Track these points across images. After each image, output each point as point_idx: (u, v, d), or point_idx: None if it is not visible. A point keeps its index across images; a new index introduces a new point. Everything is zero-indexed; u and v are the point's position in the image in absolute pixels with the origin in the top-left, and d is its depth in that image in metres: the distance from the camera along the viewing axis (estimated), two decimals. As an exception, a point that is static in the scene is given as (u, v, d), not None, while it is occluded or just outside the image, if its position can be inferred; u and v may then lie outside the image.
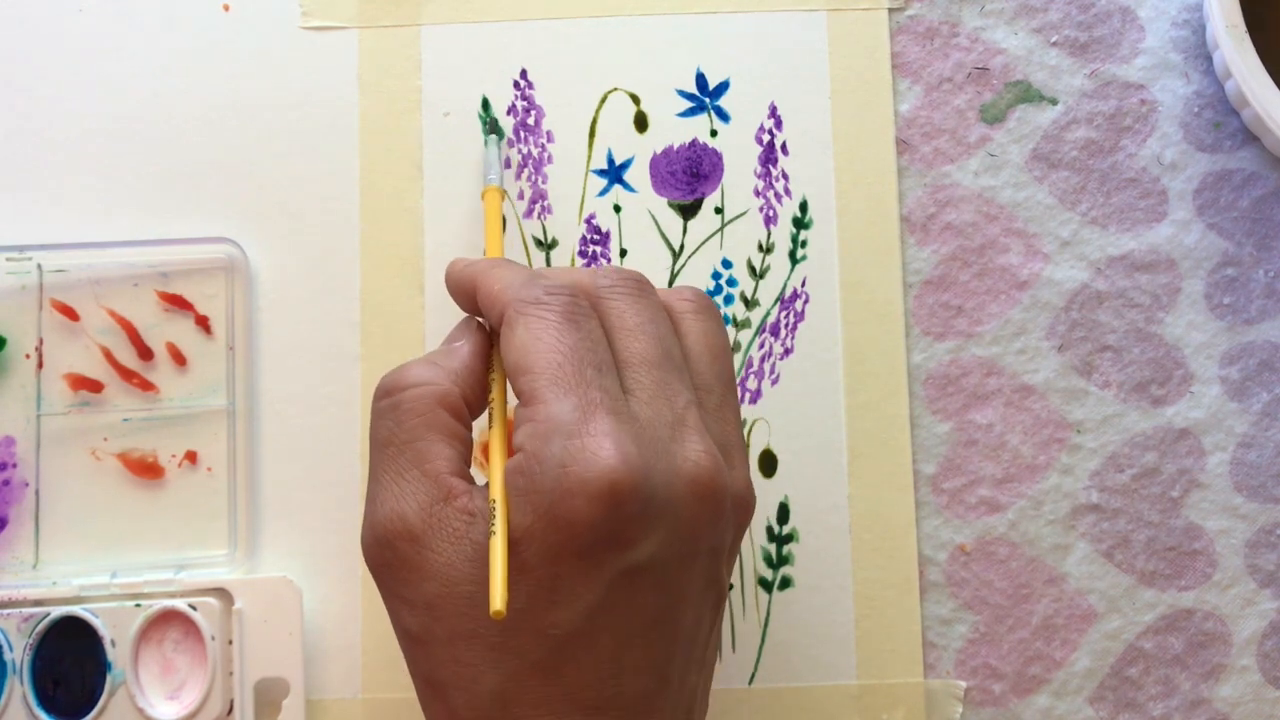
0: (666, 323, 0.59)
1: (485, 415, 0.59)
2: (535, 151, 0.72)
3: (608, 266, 0.61)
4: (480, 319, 0.62)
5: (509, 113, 0.73)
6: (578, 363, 0.54)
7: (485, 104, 0.73)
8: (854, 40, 0.72)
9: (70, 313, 0.71)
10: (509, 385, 0.58)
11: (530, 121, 0.72)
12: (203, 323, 0.71)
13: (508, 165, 0.72)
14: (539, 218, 0.72)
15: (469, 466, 0.57)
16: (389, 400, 0.58)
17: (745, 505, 0.58)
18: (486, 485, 0.56)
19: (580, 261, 0.72)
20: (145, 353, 0.71)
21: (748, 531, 0.69)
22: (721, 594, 0.59)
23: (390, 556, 0.55)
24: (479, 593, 0.54)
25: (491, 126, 0.72)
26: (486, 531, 0.54)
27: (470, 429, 0.59)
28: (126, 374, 0.71)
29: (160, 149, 0.73)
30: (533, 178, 0.72)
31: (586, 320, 0.56)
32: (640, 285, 0.59)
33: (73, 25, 0.74)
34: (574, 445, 0.52)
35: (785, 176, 0.72)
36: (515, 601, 0.52)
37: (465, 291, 0.62)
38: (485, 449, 0.68)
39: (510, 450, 0.56)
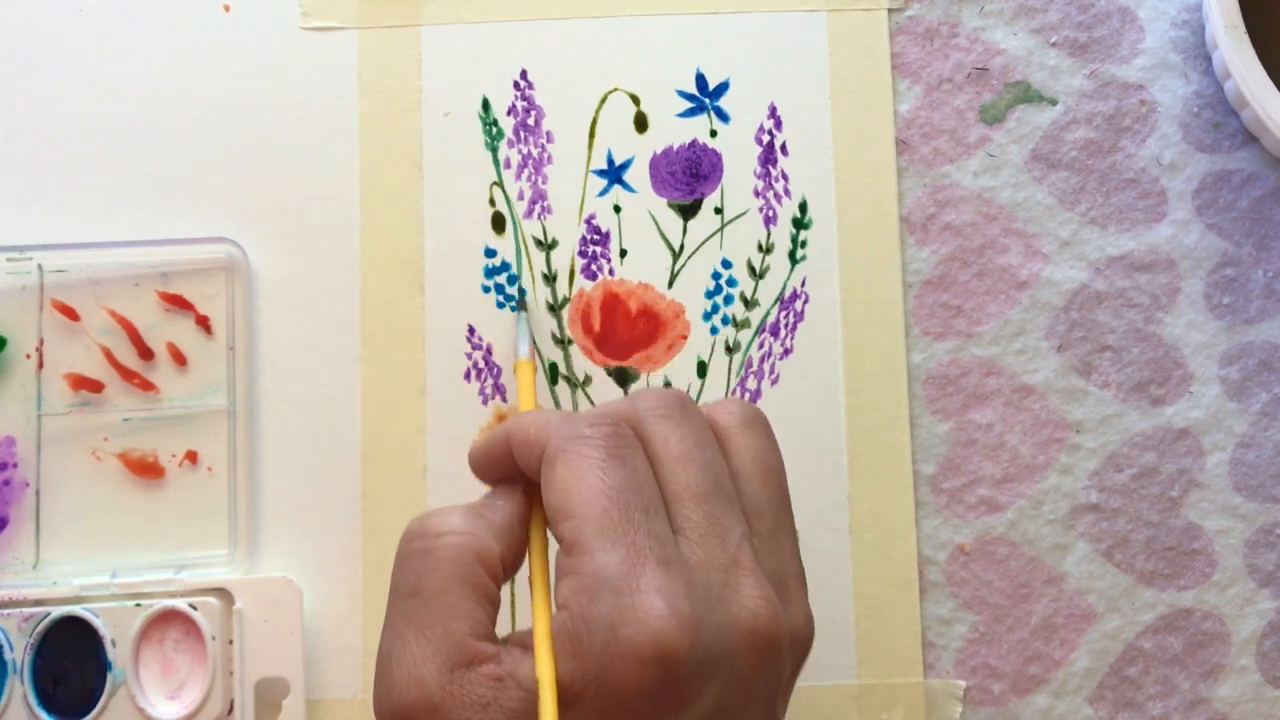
0: (713, 444, 0.56)
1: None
2: (535, 152, 0.72)
3: (646, 389, 0.57)
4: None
5: (509, 113, 0.73)
6: (624, 506, 0.51)
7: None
8: (854, 40, 0.73)
9: (70, 313, 0.71)
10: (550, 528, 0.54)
11: (530, 122, 0.73)
12: (203, 323, 0.71)
13: (507, 166, 0.72)
14: (539, 218, 0.72)
15: (494, 629, 0.53)
16: (421, 544, 0.53)
17: (804, 642, 0.55)
18: (515, 643, 0.52)
19: (580, 261, 0.72)
20: (145, 353, 0.71)
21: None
22: None
23: None
24: None
25: (519, 301, 0.72)
26: (519, 697, 0.50)
27: (500, 591, 0.54)
28: (127, 374, 0.71)
29: (160, 149, 0.73)
30: (533, 178, 0.72)
31: (633, 454, 0.53)
32: (683, 406, 0.56)
33: (73, 25, 0.74)
34: (624, 604, 0.49)
35: (785, 177, 0.72)
36: None
37: (498, 453, 0.57)
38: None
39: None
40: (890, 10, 0.73)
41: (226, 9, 0.74)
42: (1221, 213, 0.71)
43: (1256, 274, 0.71)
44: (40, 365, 0.71)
